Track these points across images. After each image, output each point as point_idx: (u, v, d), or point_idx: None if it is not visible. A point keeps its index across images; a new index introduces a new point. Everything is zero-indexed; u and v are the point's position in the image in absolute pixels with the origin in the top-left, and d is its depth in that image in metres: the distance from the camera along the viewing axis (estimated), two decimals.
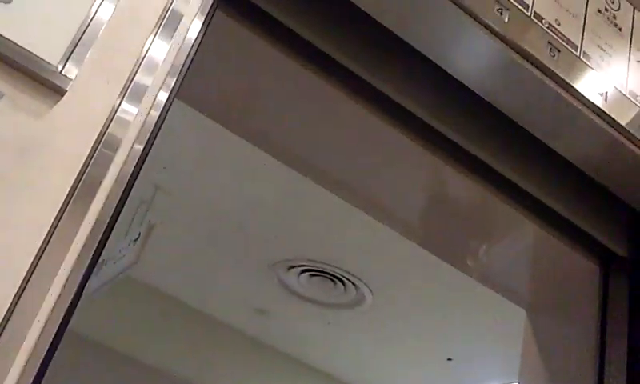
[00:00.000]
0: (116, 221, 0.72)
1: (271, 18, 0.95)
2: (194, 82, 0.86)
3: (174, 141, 2.17)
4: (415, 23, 0.97)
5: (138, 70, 0.74)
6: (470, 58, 1.00)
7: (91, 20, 0.71)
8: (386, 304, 2.96)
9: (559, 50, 0.98)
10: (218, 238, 2.78)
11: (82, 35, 0.70)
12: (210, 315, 3.34)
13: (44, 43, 0.67)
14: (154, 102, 0.76)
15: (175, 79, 0.79)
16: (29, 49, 0.66)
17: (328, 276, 2.94)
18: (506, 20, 0.94)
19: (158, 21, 0.78)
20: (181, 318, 3.27)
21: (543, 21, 0.98)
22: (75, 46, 0.69)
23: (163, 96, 0.77)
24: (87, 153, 0.68)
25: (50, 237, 0.63)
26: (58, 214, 0.64)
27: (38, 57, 0.66)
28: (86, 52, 0.70)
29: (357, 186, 1.38)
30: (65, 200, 0.65)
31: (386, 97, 1.02)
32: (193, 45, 0.82)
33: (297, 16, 0.97)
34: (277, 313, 3.24)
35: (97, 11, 0.72)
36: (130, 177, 0.73)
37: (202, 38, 0.84)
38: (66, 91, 0.68)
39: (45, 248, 0.63)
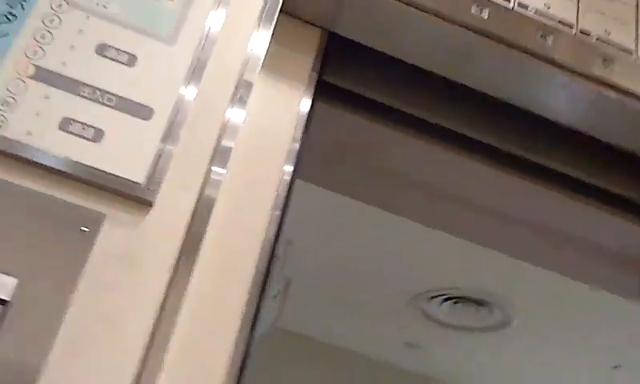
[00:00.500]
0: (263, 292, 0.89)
1: (371, 101, 1.09)
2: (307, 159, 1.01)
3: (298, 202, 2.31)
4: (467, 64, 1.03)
5: (211, 165, 0.87)
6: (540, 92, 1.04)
7: (169, 132, 0.85)
8: (537, 320, 2.89)
9: (613, 61, 0.99)
10: (355, 281, 2.88)
11: (163, 149, 0.84)
12: (362, 354, 3.43)
13: (131, 166, 0.81)
14: (282, 176, 0.96)
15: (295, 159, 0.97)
16: (120, 175, 0.81)
17: (470, 301, 2.93)
18: (550, 43, 0.98)
19: (232, 96, 0.91)
20: (332, 361, 3.38)
21: (591, 35, 1.00)
22: (157, 162, 0.83)
23: (288, 168, 0.96)
24: (177, 252, 0.81)
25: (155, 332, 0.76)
26: (159, 313, 0.77)
27: (128, 179, 0.81)
28: (167, 165, 0.83)
29: (485, 232, 1.47)
30: (162, 302, 0.78)
31: (495, 149, 1.13)
32: (307, 122, 1.00)
33: (393, 94, 1.11)
34: (424, 343, 3.26)
35: (174, 124, 0.86)
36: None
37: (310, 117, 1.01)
38: (154, 202, 0.81)
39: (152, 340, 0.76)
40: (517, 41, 0.96)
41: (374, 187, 1.42)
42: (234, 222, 0.95)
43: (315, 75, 1.05)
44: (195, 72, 0.90)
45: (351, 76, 1.11)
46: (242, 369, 0.86)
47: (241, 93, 0.92)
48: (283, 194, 0.96)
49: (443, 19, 0.96)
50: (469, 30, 0.96)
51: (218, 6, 0.95)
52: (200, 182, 0.85)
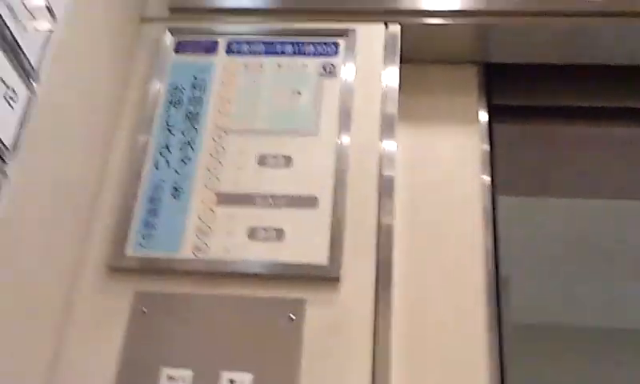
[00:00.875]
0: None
1: (538, 107, 1.21)
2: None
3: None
4: None
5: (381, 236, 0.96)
6: None
7: (335, 210, 0.96)
8: None
9: None
10: (576, 260, 2.78)
11: (334, 227, 0.94)
12: (614, 328, 3.26)
13: (313, 252, 0.93)
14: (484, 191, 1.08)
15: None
16: (306, 262, 0.92)
17: None
18: None
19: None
20: (584, 343, 3.25)
21: None
22: (333, 240, 0.93)
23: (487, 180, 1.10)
24: (373, 309, 0.91)
25: None
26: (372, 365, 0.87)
27: (314, 264, 0.92)
28: (342, 237, 0.94)
29: None
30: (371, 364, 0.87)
31: None
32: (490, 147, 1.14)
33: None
34: None
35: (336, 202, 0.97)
36: None
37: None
38: (340, 276, 0.92)
39: None
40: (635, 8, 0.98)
41: (567, 180, 1.47)
42: (432, 248, 1.05)
43: (484, 102, 1.18)
44: (342, 126, 1.01)
45: (508, 93, 1.22)
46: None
47: (387, 126, 1.03)
48: (489, 205, 1.09)
49: (565, 16, 1.06)
50: (590, 16, 1.04)
51: (345, 63, 1.06)
52: (374, 232, 0.95)
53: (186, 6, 1.14)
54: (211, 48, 1.10)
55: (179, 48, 1.10)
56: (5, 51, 0.69)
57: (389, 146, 1.01)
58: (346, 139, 1.00)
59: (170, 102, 1.06)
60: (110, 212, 0.99)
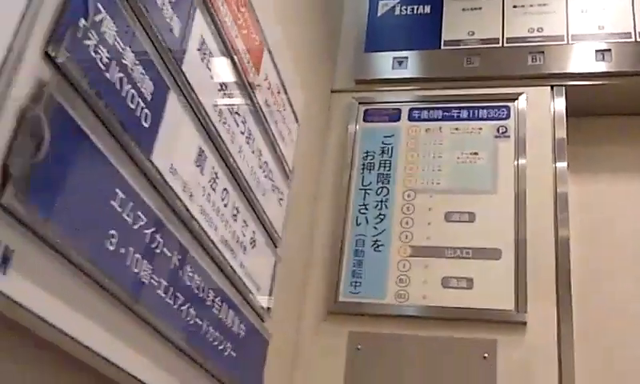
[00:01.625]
0: None
1: None
2: None
3: None
4: None
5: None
6: None
7: (518, 258, 1.11)
8: None
9: None
10: None
11: (518, 275, 1.10)
12: None
13: (501, 299, 1.09)
14: None
15: None
16: (495, 308, 1.08)
17: None
18: None
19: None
20: None
21: None
22: (518, 288, 1.09)
23: None
24: (557, 351, 1.06)
25: None
26: None
27: (502, 310, 1.08)
28: (524, 285, 1.09)
29: None
30: None
31: None
32: None
33: None
34: None
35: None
36: None
37: None
38: (527, 320, 1.07)
39: None
40: None
41: None
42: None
43: None
44: (518, 183, 1.16)
45: None
46: None
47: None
48: None
49: None
50: None
51: (517, 125, 1.20)
52: (553, 275, 1.10)
53: (369, 78, 1.32)
54: (395, 116, 1.27)
55: (367, 116, 1.28)
56: (277, 164, 0.89)
57: (561, 165, 1.18)
58: (522, 194, 1.15)
59: (364, 166, 1.25)
60: (323, 264, 1.19)
